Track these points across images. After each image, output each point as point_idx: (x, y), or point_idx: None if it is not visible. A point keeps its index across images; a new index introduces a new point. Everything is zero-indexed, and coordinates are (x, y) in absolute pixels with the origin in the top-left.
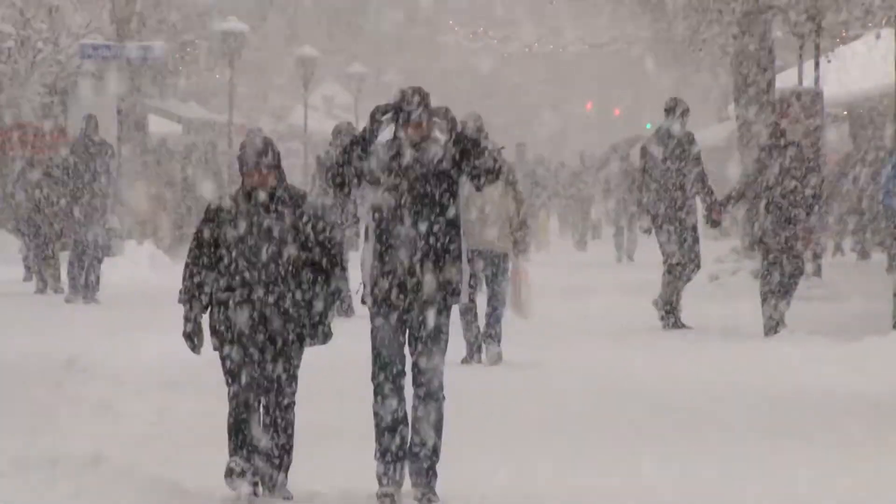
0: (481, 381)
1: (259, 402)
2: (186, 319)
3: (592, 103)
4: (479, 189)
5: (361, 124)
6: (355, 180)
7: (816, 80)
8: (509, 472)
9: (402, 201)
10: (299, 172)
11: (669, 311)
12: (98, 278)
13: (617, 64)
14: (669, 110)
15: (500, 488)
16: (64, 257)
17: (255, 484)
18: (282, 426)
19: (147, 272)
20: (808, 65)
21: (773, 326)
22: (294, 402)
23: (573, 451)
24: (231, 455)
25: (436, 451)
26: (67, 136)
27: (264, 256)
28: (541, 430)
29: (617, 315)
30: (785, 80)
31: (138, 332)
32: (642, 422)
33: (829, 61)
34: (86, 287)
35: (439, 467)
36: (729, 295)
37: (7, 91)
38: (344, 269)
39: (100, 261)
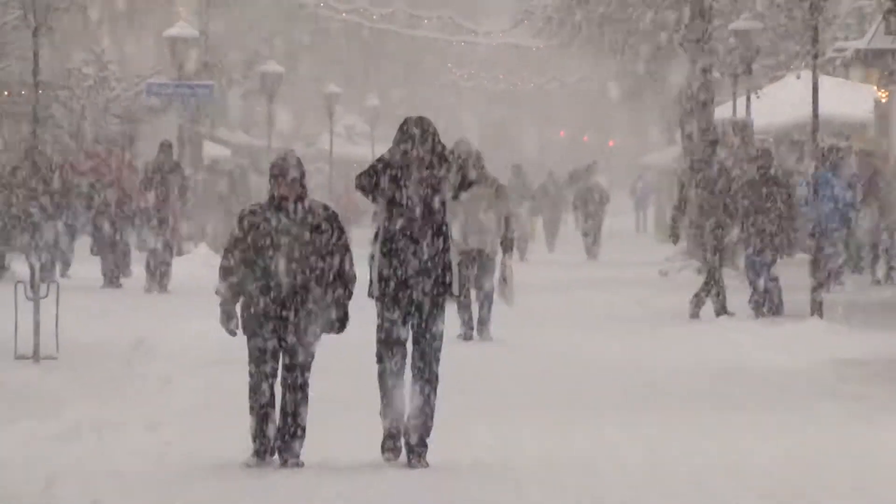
0: (472, 361)
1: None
2: (222, 308)
3: (565, 131)
4: (454, 198)
5: (377, 147)
6: (373, 193)
7: (748, 112)
8: (496, 441)
9: (408, 214)
10: (325, 188)
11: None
12: (168, 273)
13: (586, 99)
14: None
15: (487, 455)
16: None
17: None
18: (298, 404)
19: (201, 269)
20: (741, 100)
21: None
22: (308, 383)
23: (552, 421)
24: (252, 438)
25: (427, 427)
26: (134, 164)
27: (287, 255)
28: (524, 404)
29: (589, 306)
30: (721, 113)
31: (194, 318)
32: (612, 395)
33: (758, 97)
34: (160, 280)
35: (431, 438)
36: (677, 287)
37: (86, 122)
38: (352, 267)
39: (168, 263)
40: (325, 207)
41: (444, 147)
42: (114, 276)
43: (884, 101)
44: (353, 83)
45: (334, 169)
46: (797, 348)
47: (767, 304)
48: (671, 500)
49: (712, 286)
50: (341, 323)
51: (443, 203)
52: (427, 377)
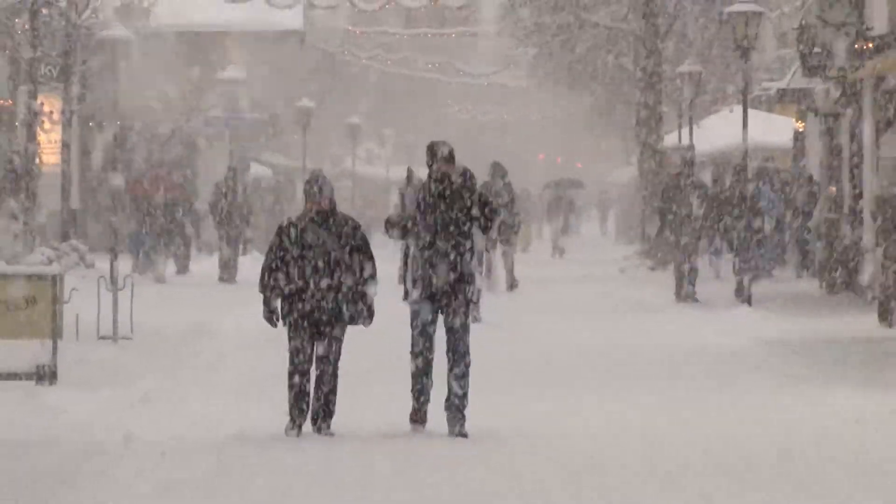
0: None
1: (312, 363)
2: (265, 303)
3: (543, 155)
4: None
5: (391, 168)
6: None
7: (690, 139)
8: (512, 410)
9: (437, 227)
10: (349, 202)
11: None
12: (236, 269)
13: (558, 128)
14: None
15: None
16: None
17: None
18: (329, 383)
19: (258, 266)
20: (685, 129)
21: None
22: (338, 367)
23: (533, 392)
24: (290, 412)
25: (465, 399)
26: (195, 181)
27: (320, 259)
28: (508, 379)
29: (562, 297)
30: (669, 140)
31: (246, 307)
32: (581, 372)
33: (699, 127)
34: (231, 274)
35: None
36: (635, 282)
37: (154, 148)
38: (374, 271)
39: (235, 262)
40: (352, 219)
41: (468, 178)
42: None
43: (801, 130)
44: (370, 116)
45: (356, 185)
46: (732, 331)
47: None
48: (627, 457)
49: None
50: (370, 316)
51: (467, 221)
52: (461, 360)
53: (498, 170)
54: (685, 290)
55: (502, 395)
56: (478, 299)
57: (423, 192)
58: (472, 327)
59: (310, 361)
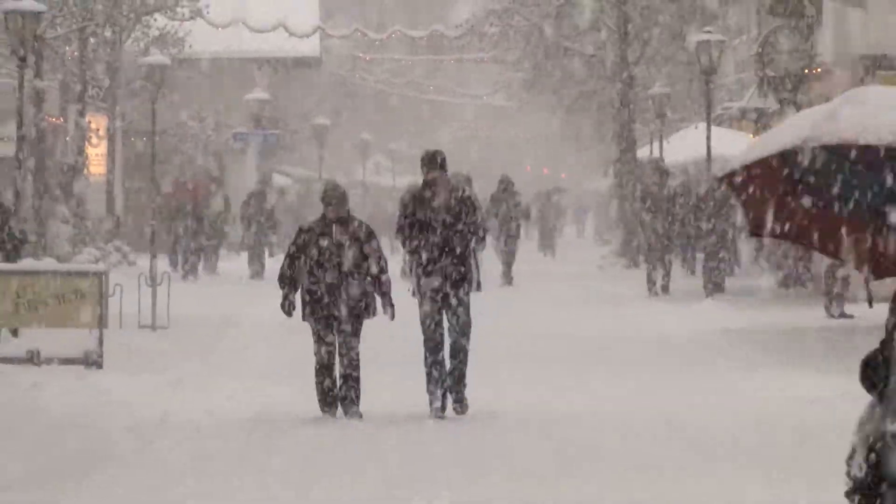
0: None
1: (335, 355)
2: (283, 296)
3: (530, 167)
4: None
5: (397, 179)
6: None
7: (661, 152)
8: (503, 392)
9: (436, 230)
10: (360, 208)
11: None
12: (264, 267)
13: (544, 143)
14: None
15: (496, 403)
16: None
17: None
18: (352, 369)
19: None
20: (656, 144)
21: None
22: (358, 353)
23: (522, 374)
24: (320, 406)
25: (464, 377)
26: (224, 188)
27: (336, 259)
28: (501, 361)
29: (547, 290)
30: (642, 153)
31: (268, 301)
32: (566, 356)
33: (668, 142)
34: (259, 272)
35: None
36: (611, 279)
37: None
38: (384, 268)
39: (263, 263)
40: (364, 223)
41: (464, 191)
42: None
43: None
44: (379, 132)
45: (366, 194)
46: (699, 322)
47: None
48: (607, 433)
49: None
50: (392, 307)
51: (461, 227)
52: (461, 348)
53: (503, 182)
54: (658, 284)
55: (494, 378)
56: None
57: (416, 196)
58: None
59: (333, 349)
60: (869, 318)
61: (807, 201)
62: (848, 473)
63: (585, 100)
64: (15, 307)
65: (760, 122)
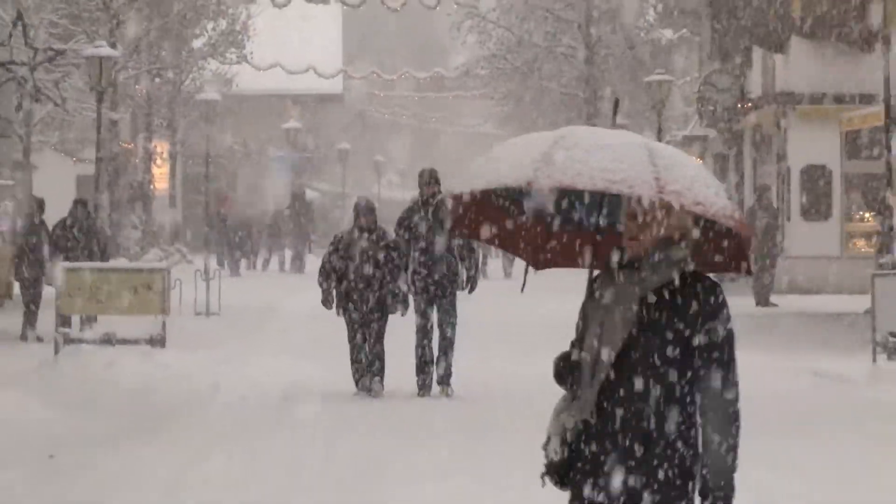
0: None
1: (365, 343)
2: (323, 292)
3: None
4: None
5: (405, 193)
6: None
7: None
8: (487, 371)
9: (428, 236)
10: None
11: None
12: (304, 265)
13: None
14: None
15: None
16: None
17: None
18: (378, 356)
19: (315, 262)
20: None
21: None
22: (384, 342)
23: (506, 355)
24: (356, 384)
25: (451, 367)
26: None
27: (365, 263)
28: (489, 345)
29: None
30: None
31: (304, 292)
32: (542, 340)
33: None
34: (300, 268)
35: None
36: (583, 274)
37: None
38: (403, 271)
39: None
40: (387, 232)
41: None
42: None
43: (699, 164)
44: (391, 154)
45: (381, 207)
46: None
47: None
48: None
49: None
50: (405, 304)
51: (446, 240)
52: (450, 340)
53: None
54: None
55: (480, 359)
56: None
57: (415, 209)
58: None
59: (364, 339)
60: (791, 306)
61: (519, 216)
62: (546, 457)
63: (557, 128)
64: (95, 299)
65: (702, 147)
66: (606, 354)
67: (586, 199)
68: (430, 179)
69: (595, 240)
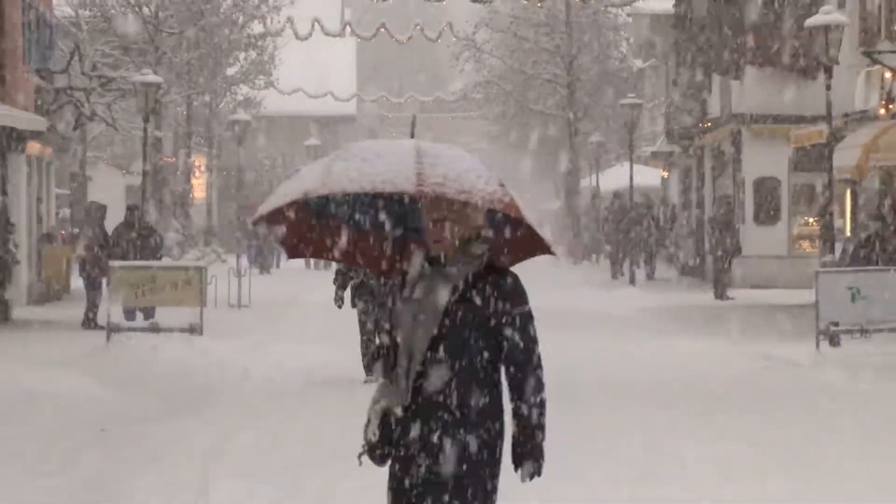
0: None
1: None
2: (337, 293)
3: None
4: None
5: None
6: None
7: (598, 183)
8: None
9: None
10: None
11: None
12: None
13: (513, 175)
14: None
15: None
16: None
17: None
18: None
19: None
20: (594, 176)
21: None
22: None
23: None
24: (364, 369)
25: None
26: None
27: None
28: None
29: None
30: (585, 183)
31: (323, 288)
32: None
33: (603, 175)
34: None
35: None
36: (563, 272)
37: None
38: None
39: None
40: None
41: None
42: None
43: (666, 177)
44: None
45: None
46: (626, 302)
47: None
48: (562, 379)
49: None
50: None
51: None
52: None
53: None
54: (618, 275)
55: None
56: None
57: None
58: None
59: (374, 329)
60: (745, 299)
61: (329, 225)
62: (364, 438)
63: (542, 145)
64: (143, 292)
65: (668, 160)
66: (419, 344)
67: (396, 208)
68: None
69: (404, 243)
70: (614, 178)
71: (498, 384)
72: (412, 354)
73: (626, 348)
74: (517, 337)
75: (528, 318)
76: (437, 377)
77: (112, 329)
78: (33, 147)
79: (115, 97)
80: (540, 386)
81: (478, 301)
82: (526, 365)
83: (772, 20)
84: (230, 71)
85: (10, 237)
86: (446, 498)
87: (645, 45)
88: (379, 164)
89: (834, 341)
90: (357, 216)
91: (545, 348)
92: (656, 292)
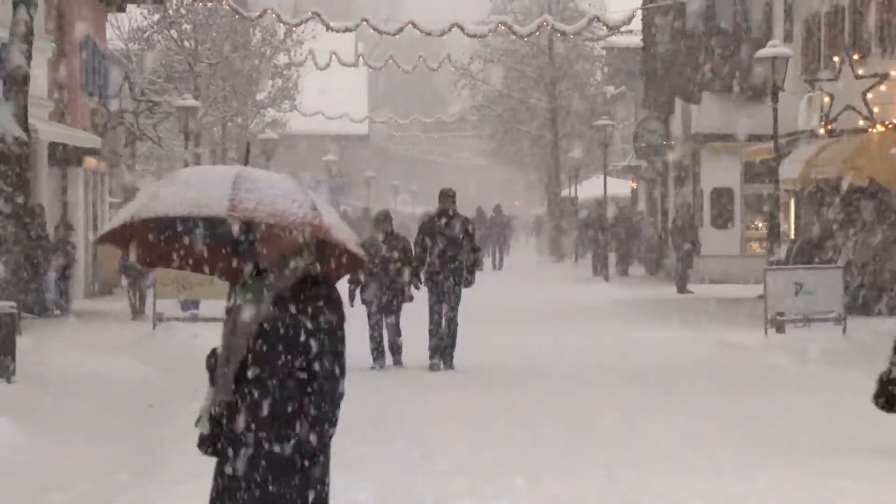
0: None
1: (384, 326)
2: (350, 292)
3: (498, 200)
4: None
5: (416, 208)
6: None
7: (577, 193)
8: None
9: (443, 244)
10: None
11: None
12: None
13: (506, 186)
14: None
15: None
16: None
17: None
18: (397, 334)
19: None
20: (573, 187)
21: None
22: (400, 323)
23: (504, 330)
24: (371, 351)
25: (454, 346)
26: None
27: (387, 264)
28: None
29: (516, 277)
30: (565, 193)
31: (340, 282)
32: (528, 316)
33: (580, 186)
34: None
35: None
36: (546, 269)
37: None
38: (413, 268)
39: None
40: (404, 238)
41: (467, 218)
42: None
43: (635, 188)
44: (405, 179)
45: (397, 219)
46: (600, 294)
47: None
48: (543, 361)
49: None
50: (409, 299)
51: (458, 243)
52: (453, 323)
53: (496, 210)
54: (601, 273)
55: (480, 337)
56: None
57: (433, 220)
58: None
59: (381, 325)
60: (703, 293)
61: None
62: (198, 432)
63: (531, 159)
64: (182, 287)
65: (637, 174)
66: (239, 346)
67: (227, 226)
68: (447, 196)
69: (235, 254)
70: (590, 188)
71: (307, 385)
72: (230, 360)
73: (600, 334)
74: (322, 345)
75: (331, 329)
76: (252, 375)
77: (158, 319)
78: (90, 162)
79: (160, 119)
80: (332, 393)
81: (293, 310)
82: (324, 372)
83: (726, 53)
84: (259, 96)
85: (70, 240)
86: (246, 496)
87: (617, 73)
88: (196, 190)
89: (780, 329)
90: (199, 230)
91: (531, 335)
92: (627, 287)
